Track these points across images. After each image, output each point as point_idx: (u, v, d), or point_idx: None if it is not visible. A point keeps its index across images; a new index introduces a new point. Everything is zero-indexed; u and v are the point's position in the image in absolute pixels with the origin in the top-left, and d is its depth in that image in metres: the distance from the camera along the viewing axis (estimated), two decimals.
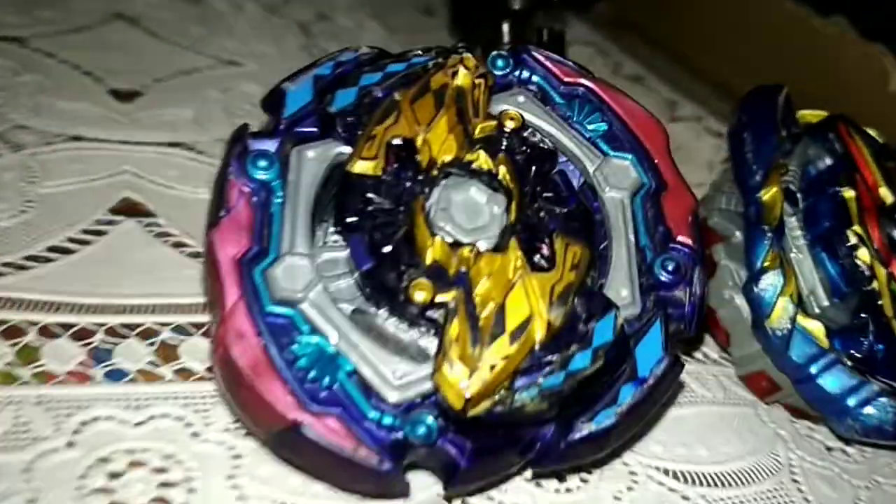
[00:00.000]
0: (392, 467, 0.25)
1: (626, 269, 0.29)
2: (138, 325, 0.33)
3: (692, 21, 0.73)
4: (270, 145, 0.28)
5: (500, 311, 0.26)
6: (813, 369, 0.33)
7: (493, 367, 0.25)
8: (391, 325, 0.27)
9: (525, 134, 0.30)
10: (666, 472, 0.33)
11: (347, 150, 0.28)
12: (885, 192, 0.38)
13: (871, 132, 0.41)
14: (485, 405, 0.25)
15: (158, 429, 0.29)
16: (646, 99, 0.69)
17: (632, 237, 0.29)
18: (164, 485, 0.27)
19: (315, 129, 0.29)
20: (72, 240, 0.36)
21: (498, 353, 0.25)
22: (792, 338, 0.33)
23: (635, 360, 0.27)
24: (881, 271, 0.35)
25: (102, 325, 0.32)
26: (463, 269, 0.27)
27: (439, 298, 0.26)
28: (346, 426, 0.25)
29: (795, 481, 0.34)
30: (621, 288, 0.28)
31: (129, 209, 0.39)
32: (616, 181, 0.30)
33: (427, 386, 0.25)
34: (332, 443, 0.25)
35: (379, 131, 0.28)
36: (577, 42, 0.78)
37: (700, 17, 0.72)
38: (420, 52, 0.30)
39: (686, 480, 0.32)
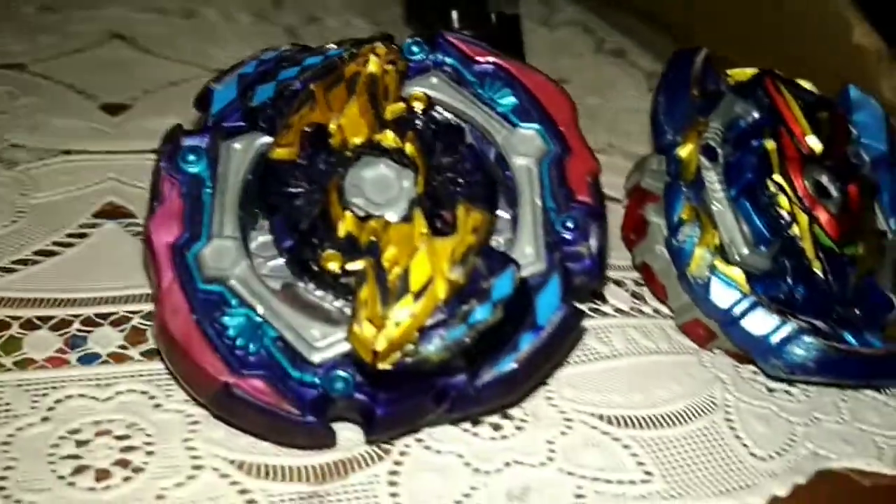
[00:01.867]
0: (315, 420, 0.28)
1: (532, 228, 0.31)
2: (111, 314, 0.36)
3: None
4: (201, 141, 0.31)
5: (405, 273, 0.28)
6: (736, 312, 0.35)
7: (398, 324, 0.28)
8: (317, 296, 0.30)
9: (434, 113, 0.32)
10: (600, 417, 0.35)
11: (270, 140, 0.31)
12: (813, 142, 0.39)
13: (805, 84, 0.43)
14: (393, 358, 0.28)
15: (124, 402, 0.32)
16: (628, 71, 0.72)
17: (538, 200, 0.32)
18: (126, 449, 0.30)
19: (241, 124, 0.32)
20: (56, 243, 0.40)
21: (404, 311, 0.28)
22: (711, 284, 0.35)
23: (535, 310, 0.29)
24: (802, 217, 0.36)
25: (79, 315, 0.36)
26: (373, 239, 0.29)
27: (352, 267, 0.29)
28: (271, 385, 0.28)
29: (729, 420, 0.36)
30: (526, 246, 0.31)
31: (111, 212, 0.42)
32: (524, 149, 0.32)
33: (346, 346, 0.28)
34: (260, 401, 0.28)
35: (295, 120, 0.31)
36: (563, 22, 0.80)
37: None
38: (335, 45, 0.33)
39: (618, 424, 0.35)
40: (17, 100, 0.51)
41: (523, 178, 0.32)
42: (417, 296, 0.28)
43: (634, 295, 0.42)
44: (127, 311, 0.36)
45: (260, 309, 0.29)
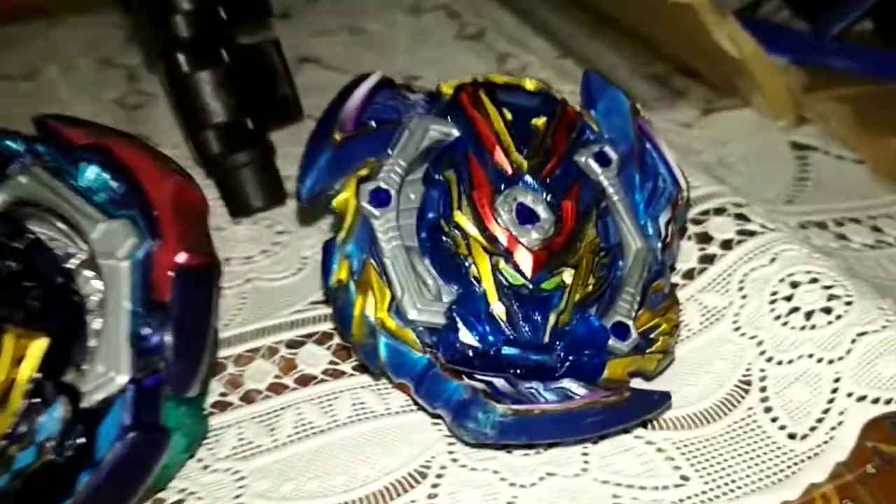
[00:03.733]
0: None
1: (115, 339, 0.28)
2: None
3: None
4: None
5: None
6: (413, 377, 0.31)
7: None
8: None
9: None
10: None
11: None
12: (510, 158, 0.35)
13: (529, 85, 0.38)
14: None
15: None
16: (480, 54, 0.68)
17: (126, 303, 0.28)
18: None
19: None
20: None
21: None
22: (377, 346, 0.31)
23: (95, 443, 0.26)
24: (482, 258, 0.32)
25: None
26: None
27: None
28: None
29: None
30: (99, 365, 0.27)
31: None
32: (112, 246, 0.29)
33: None
34: None
35: None
36: (428, 7, 0.76)
37: None
38: None
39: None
40: None
41: (110, 280, 0.28)
42: None
43: None
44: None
45: None
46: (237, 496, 0.32)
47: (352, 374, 0.37)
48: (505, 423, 0.30)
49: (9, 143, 0.31)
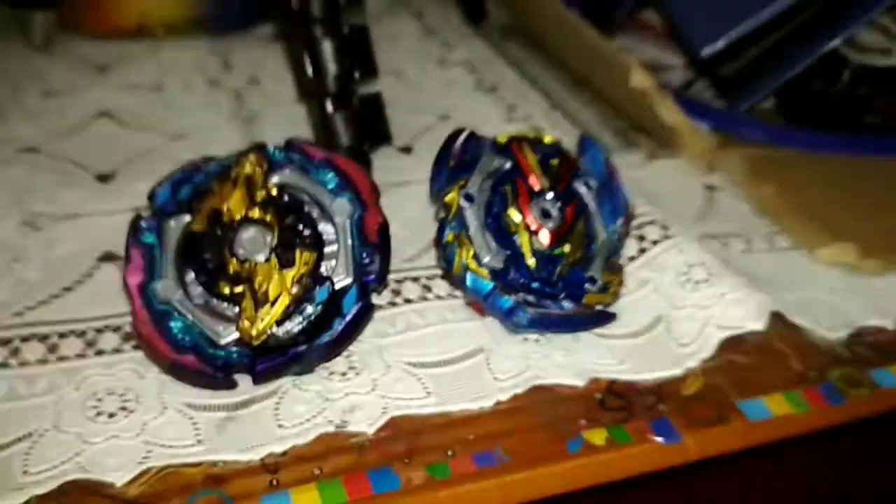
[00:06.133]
0: (223, 376, 0.52)
1: (344, 259, 0.55)
2: (117, 326, 0.60)
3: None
4: (151, 223, 0.55)
5: (266, 291, 0.52)
6: (484, 295, 0.58)
7: (263, 320, 0.51)
8: (222, 307, 0.54)
9: (286, 195, 0.56)
10: (410, 363, 0.58)
11: (190, 219, 0.55)
12: (542, 182, 0.62)
13: (548, 140, 0.66)
14: (261, 339, 0.51)
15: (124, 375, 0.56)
16: (495, 104, 0.91)
17: (349, 241, 0.55)
18: (126, 400, 0.54)
19: (174, 210, 0.55)
20: (75, 281, 0.63)
21: (266, 313, 0.52)
22: (465, 278, 0.58)
23: (342, 306, 0.53)
24: (524, 234, 0.60)
25: (100, 329, 0.60)
26: (248, 273, 0.53)
27: (238, 290, 0.53)
28: (197, 358, 0.51)
29: (487, 361, 0.59)
30: (340, 268, 0.54)
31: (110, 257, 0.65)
32: (341, 211, 0.56)
33: (237, 335, 0.52)
34: (191, 367, 0.52)
35: (202, 207, 0.54)
36: (452, 61, 1.01)
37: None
38: (228, 156, 0.57)
39: (418, 366, 0.58)
40: (34, 177, 0.74)
41: (340, 230, 0.55)
42: (273, 304, 0.52)
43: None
44: (124, 322, 0.60)
45: (189, 317, 0.52)
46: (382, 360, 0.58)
47: (439, 297, 0.64)
48: (533, 319, 0.57)
49: (276, 152, 0.58)
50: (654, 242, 0.63)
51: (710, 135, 0.81)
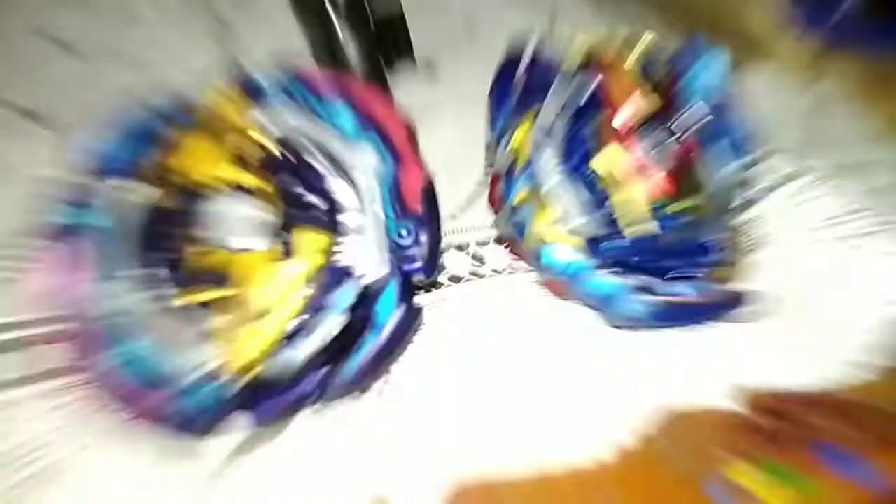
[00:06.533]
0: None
1: (375, 236, 0.36)
2: None
3: None
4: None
5: (256, 298, 0.34)
6: (570, 274, 0.40)
7: (253, 343, 0.33)
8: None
9: (280, 144, 0.37)
10: None
11: None
12: (638, 108, 0.43)
13: (641, 47, 0.46)
14: (251, 374, 0.33)
15: None
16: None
17: (378, 211, 0.37)
18: None
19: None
20: None
21: (257, 333, 0.34)
22: (543, 251, 0.40)
23: (376, 313, 0.35)
24: (626, 186, 0.41)
25: None
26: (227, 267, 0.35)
27: (213, 295, 0.35)
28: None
29: None
30: (369, 254, 0.36)
31: None
32: (361, 163, 0.37)
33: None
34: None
35: (154, 168, 0.36)
36: None
37: None
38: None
39: None
40: None
41: (365, 193, 0.37)
42: (267, 318, 0.34)
43: None
44: None
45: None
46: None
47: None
48: (656, 310, 0.40)
49: (261, 79, 0.39)
50: (785, 182, 0.47)
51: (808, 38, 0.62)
